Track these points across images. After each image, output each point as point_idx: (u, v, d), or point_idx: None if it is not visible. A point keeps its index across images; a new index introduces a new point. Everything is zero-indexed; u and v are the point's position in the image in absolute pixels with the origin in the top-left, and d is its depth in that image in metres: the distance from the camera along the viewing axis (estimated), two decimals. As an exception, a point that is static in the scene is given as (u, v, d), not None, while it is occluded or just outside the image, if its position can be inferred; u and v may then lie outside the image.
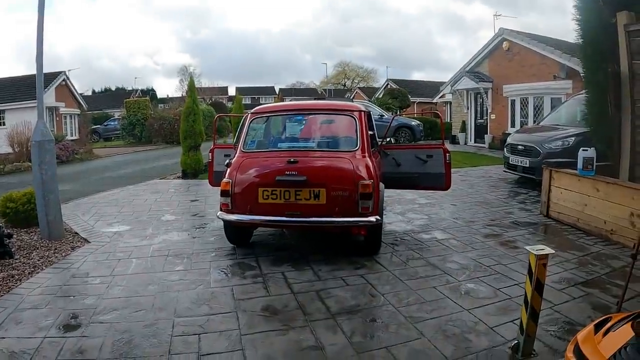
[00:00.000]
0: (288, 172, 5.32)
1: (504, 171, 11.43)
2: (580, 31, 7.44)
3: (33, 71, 6.69)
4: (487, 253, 5.78)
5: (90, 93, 63.94)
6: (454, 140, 22.73)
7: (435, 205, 8.62)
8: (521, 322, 3.28)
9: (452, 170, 6.98)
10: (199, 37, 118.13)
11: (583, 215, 6.71)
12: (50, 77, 26.96)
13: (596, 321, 2.47)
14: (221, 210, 5.67)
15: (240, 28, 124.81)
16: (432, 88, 35.58)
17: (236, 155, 5.84)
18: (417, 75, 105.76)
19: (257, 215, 5.49)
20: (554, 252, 3.21)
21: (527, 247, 3.15)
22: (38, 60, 6.62)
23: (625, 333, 2.21)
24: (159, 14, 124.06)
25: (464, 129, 22.56)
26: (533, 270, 3.06)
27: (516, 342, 3.35)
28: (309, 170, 5.35)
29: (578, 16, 7.41)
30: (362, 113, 5.93)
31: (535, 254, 3.03)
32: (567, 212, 7.08)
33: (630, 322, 2.25)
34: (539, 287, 3.09)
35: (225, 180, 5.61)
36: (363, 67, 76.26)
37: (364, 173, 5.33)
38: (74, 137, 28.58)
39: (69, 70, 31.01)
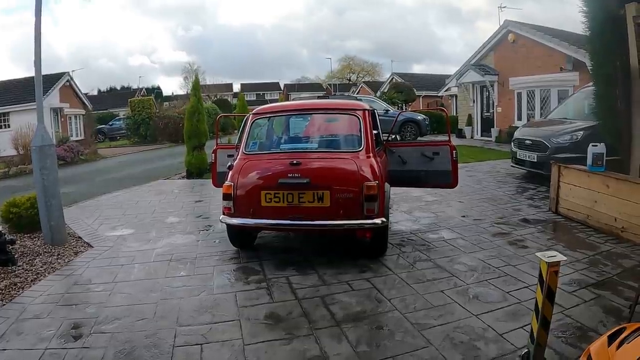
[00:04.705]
0: (291, 175, 5.23)
1: (512, 166, 11.30)
2: (588, 23, 7.29)
3: (32, 73, 6.60)
4: (496, 253, 5.67)
5: (95, 93, 64.17)
6: (460, 134, 22.60)
7: (442, 203, 8.51)
8: (531, 330, 3.16)
9: (459, 165, 6.87)
10: (192, 34, 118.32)
11: (593, 212, 6.58)
12: (54, 78, 27.04)
13: (609, 332, 2.36)
14: (224, 214, 5.59)
15: (233, 24, 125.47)
16: (437, 81, 35.35)
17: (238, 158, 5.76)
18: (417, 68, 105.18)
19: (260, 218, 5.39)
20: (565, 258, 3.09)
21: (538, 254, 3.03)
22: (37, 65, 6.52)
23: None
24: (150, 12, 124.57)
25: (470, 122, 22.42)
26: (544, 278, 2.95)
27: (526, 350, 3.23)
28: (312, 172, 5.25)
29: (584, 8, 7.26)
30: (366, 112, 5.82)
31: (546, 261, 2.91)
32: (576, 208, 6.96)
33: None
34: (550, 295, 2.98)
35: (227, 183, 5.52)
36: (368, 62, 76.04)
37: (368, 174, 5.22)
38: (79, 138, 28.65)
39: (73, 71, 31.03)
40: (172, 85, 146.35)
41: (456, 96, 27.17)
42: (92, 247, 6.53)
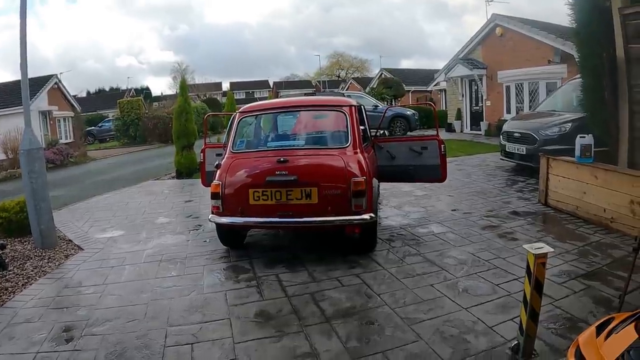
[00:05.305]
0: (278, 172, 5.22)
1: (501, 159, 11.33)
2: (574, 15, 7.31)
3: (19, 76, 6.55)
4: (485, 246, 5.69)
5: (84, 94, 63.82)
6: (449, 128, 22.64)
7: (432, 197, 8.53)
8: (520, 322, 3.19)
9: (448, 159, 6.87)
10: (179, 33, 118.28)
11: (582, 203, 6.61)
12: (42, 81, 26.79)
13: (598, 322, 2.37)
14: (212, 213, 5.58)
15: (220, 23, 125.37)
16: (426, 76, 35.41)
17: (225, 157, 5.75)
18: (405, 63, 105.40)
19: (249, 217, 5.39)
20: (552, 250, 3.11)
21: (526, 246, 3.06)
22: (22, 68, 6.47)
23: (628, 335, 2.11)
24: (136, 12, 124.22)
25: (459, 116, 22.45)
26: (532, 270, 2.97)
27: (516, 342, 3.26)
28: (299, 169, 5.25)
29: (571, 0, 7.29)
30: (353, 107, 5.81)
31: (533, 253, 2.93)
32: (565, 200, 6.99)
33: (633, 323, 2.16)
34: (538, 287, 3.00)
35: (215, 182, 5.51)
36: (357, 58, 76.06)
37: (355, 170, 5.23)
38: (68, 140, 28.47)
39: (61, 74, 30.82)
40: (161, 86, 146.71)
41: (445, 90, 27.20)
42: (83, 249, 6.51)
